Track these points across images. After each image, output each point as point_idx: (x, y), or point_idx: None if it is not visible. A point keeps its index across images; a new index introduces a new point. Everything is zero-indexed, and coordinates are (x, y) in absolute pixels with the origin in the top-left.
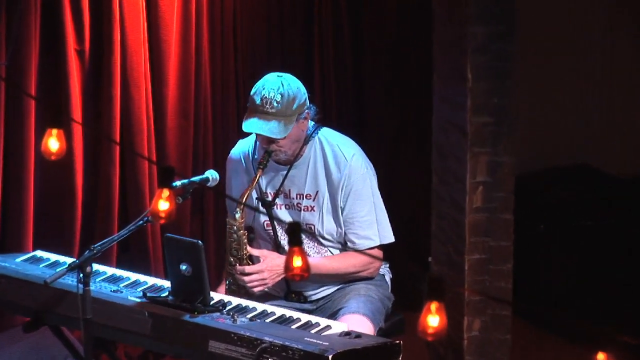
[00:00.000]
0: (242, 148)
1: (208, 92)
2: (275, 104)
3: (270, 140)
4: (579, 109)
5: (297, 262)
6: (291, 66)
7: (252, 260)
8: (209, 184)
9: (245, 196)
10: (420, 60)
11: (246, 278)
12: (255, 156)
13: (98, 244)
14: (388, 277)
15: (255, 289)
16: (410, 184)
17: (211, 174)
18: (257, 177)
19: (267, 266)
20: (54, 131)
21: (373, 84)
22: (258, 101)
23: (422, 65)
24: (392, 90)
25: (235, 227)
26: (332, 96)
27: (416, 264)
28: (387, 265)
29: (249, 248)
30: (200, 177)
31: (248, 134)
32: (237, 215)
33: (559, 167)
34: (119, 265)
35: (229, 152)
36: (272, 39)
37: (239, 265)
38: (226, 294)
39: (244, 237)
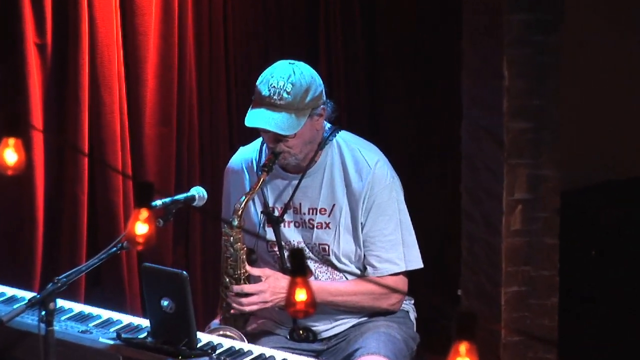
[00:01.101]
0: (244, 156)
1: (194, 94)
2: (285, 95)
3: (278, 139)
4: (635, 113)
5: (301, 295)
6: (292, 53)
7: (251, 281)
8: (195, 204)
9: (244, 202)
10: (446, 54)
11: (244, 300)
12: (262, 162)
13: (63, 275)
14: (412, 316)
15: (253, 309)
16: (435, 202)
17: (198, 192)
18: (261, 181)
19: (270, 286)
20: (11, 141)
21: (390, 81)
22: (265, 91)
23: (449, 60)
24: (413, 91)
25: (231, 239)
26: (341, 97)
27: (443, 298)
28: (412, 301)
29: (248, 267)
30: (185, 195)
31: (251, 139)
32: (235, 223)
33: (612, 182)
34: (89, 300)
35: (221, 164)
36: (270, 28)
37: (236, 285)
38: (221, 324)
39: (242, 252)
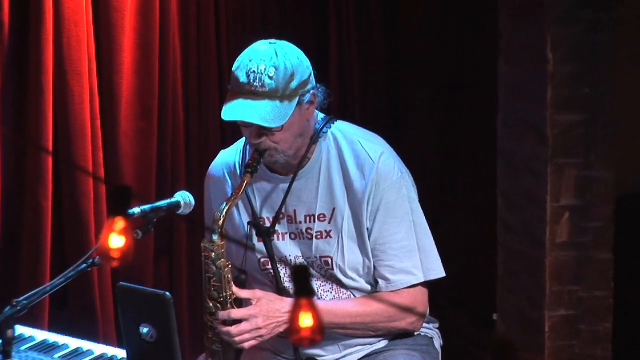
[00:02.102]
0: (225, 159)
1: (178, 81)
2: (267, 80)
3: (262, 133)
4: None
5: (306, 320)
6: (296, 44)
7: (241, 305)
8: (180, 211)
9: (225, 210)
10: (480, 35)
11: (232, 329)
12: None
13: (23, 297)
14: (437, 343)
15: (246, 344)
16: (465, 209)
17: (183, 197)
18: (244, 183)
19: (262, 310)
20: None
21: (412, 65)
22: (243, 78)
23: (483, 42)
24: (440, 77)
25: (213, 255)
26: (354, 85)
27: (475, 323)
28: (437, 325)
29: (235, 288)
30: (168, 201)
31: (233, 140)
32: (215, 237)
33: None
34: (53, 326)
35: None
36: (268, 5)
37: (222, 310)
38: (207, 357)
39: (227, 270)
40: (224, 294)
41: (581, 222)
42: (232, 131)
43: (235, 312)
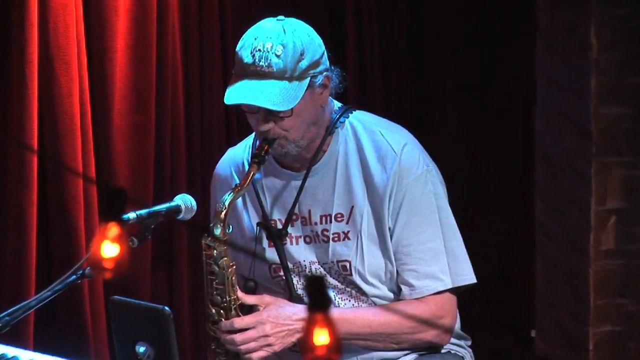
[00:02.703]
0: (233, 157)
1: (179, 70)
2: (274, 60)
3: (269, 118)
4: None
5: (321, 337)
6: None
7: (247, 312)
8: (180, 217)
9: (229, 201)
10: (515, 18)
11: (237, 337)
12: None
13: (5, 312)
14: None
15: (254, 355)
16: (500, 213)
17: (184, 201)
18: (251, 174)
19: (270, 316)
20: None
21: (438, 51)
22: (247, 57)
23: (519, 27)
24: (470, 64)
25: (215, 253)
26: (375, 75)
27: (511, 339)
28: (468, 342)
29: (240, 292)
30: (168, 205)
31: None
32: (218, 231)
33: None
34: (39, 345)
35: (215, 164)
36: None
37: (225, 318)
38: None
39: (231, 270)
40: (228, 298)
41: (629, 228)
42: (239, 125)
43: (239, 321)
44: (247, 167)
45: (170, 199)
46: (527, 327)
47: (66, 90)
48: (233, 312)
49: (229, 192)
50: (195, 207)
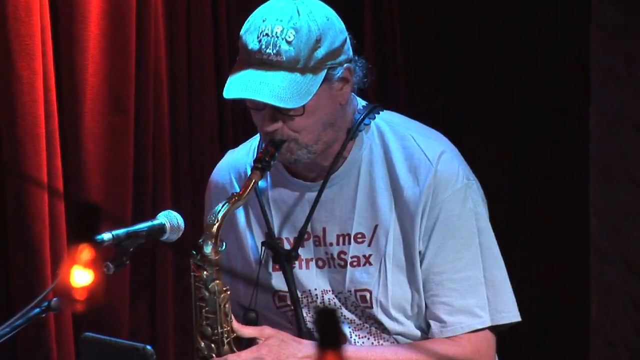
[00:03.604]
0: (233, 161)
1: (162, 62)
2: (284, 47)
3: (277, 117)
4: None
5: None
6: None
7: (244, 345)
8: (164, 238)
9: (223, 212)
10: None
11: None
12: None
13: None
14: None
15: None
16: (548, 233)
17: (169, 219)
18: (252, 183)
19: (271, 352)
20: None
21: (469, 41)
22: (253, 43)
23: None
24: (508, 52)
25: (205, 275)
26: (398, 65)
27: None
28: None
29: (235, 323)
30: (150, 223)
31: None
32: (208, 249)
33: None
34: None
35: (206, 174)
36: None
37: (218, 354)
38: None
39: (224, 296)
40: (220, 330)
41: None
42: (235, 127)
43: (234, 358)
44: (249, 173)
45: (153, 217)
46: None
47: (28, 87)
48: (226, 346)
49: (224, 203)
50: (182, 226)
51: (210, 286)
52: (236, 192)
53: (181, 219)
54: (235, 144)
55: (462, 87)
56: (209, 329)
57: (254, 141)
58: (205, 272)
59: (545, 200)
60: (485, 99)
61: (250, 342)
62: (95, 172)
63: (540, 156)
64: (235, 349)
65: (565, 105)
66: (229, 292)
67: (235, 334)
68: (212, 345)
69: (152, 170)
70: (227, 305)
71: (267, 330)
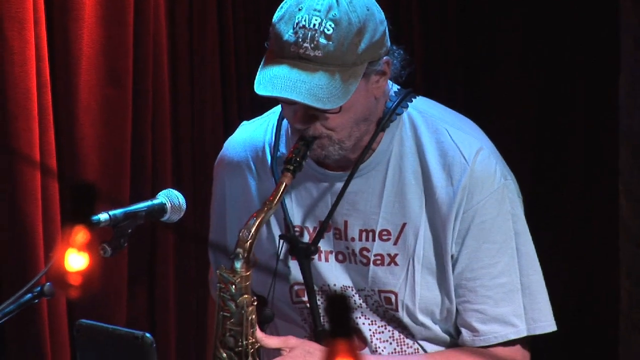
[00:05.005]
0: (251, 139)
1: (162, 31)
2: (323, 41)
3: (311, 115)
4: None
5: None
6: None
7: (265, 357)
8: (165, 218)
9: (256, 227)
10: None
11: None
12: (280, 153)
13: None
14: None
15: None
16: (575, 213)
17: (170, 198)
18: (282, 188)
19: None
20: None
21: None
22: (288, 34)
23: None
24: (538, 41)
25: (233, 289)
26: (420, 50)
27: None
28: None
29: (259, 333)
30: (149, 203)
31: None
32: (238, 265)
33: None
34: None
35: (210, 152)
36: None
37: None
38: None
39: (251, 310)
40: (244, 342)
41: None
42: (238, 109)
43: None
44: (268, 156)
45: (153, 196)
46: (611, 358)
47: (19, 57)
48: (250, 358)
49: (254, 217)
50: (184, 206)
51: (238, 300)
52: (266, 200)
53: (183, 198)
54: (240, 119)
55: (501, 89)
56: (232, 340)
57: (272, 117)
58: (233, 287)
59: (571, 179)
60: (509, 75)
61: (274, 354)
62: (91, 148)
63: (565, 131)
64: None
65: (593, 75)
66: (255, 304)
67: (258, 345)
68: (235, 356)
69: (151, 146)
70: (253, 317)
71: (292, 340)
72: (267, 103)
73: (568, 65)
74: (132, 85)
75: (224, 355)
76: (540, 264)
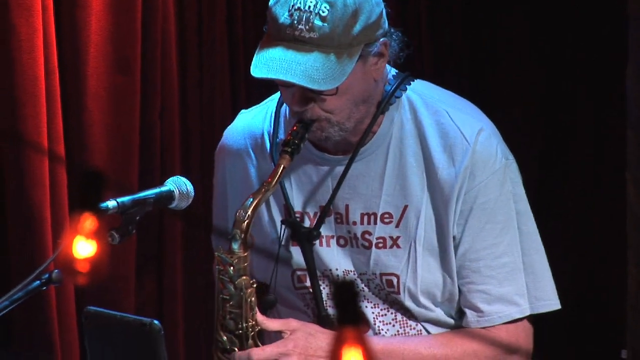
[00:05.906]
0: (248, 125)
1: (171, 19)
2: (318, 23)
3: (308, 97)
4: None
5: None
6: None
7: (266, 340)
8: (173, 205)
9: (252, 207)
10: None
11: None
12: (279, 139)
13: None
14: None
15: None
16: (582, 200)
17: (178, 185)
18: (280, 170)
19: (297, 346)
20: None
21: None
22: (284, 17)
23: None
24: (541, 34)
25: (231, 271)
26: (426, 39)
27: None
28: None
29: (260, 316)
30: (157, 190)
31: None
32: (236, 246)
33: None
34: None
35: (218, 139)
36: None
37: (241, 348)
38: None
39: (250, 291)
40: (244, 324)
41: None
42: (246, 96)
43: (259, 353)
44: (267, 143)
45: (161, 183)
46: (616, 346)
47: (27, 44)
48: (250, 340)
49: (251, 197)
50: (192, 193)
51: (236, 282)
52: (264, 182)
53: (191, 185)
54: (249, 106)
55: (505, 79)
56: (232, 322)
57: (271, 105)
58: (231, 268)
59: (578, 165)
60: (515, 67)
61: (275, 337)
62: (99, 135)
63: (572, 116)
64: (259, 342)
65: (601, 62)
66: (254, 286)
67: (258, 328)
68: (235, 339)
69: (159, 134)
70: (252, 299)
71: (293, 323)
72: (275, 90)
73: (574, 57)
74: (140, 72)
75: (224, 338)
76: (548, 253)
